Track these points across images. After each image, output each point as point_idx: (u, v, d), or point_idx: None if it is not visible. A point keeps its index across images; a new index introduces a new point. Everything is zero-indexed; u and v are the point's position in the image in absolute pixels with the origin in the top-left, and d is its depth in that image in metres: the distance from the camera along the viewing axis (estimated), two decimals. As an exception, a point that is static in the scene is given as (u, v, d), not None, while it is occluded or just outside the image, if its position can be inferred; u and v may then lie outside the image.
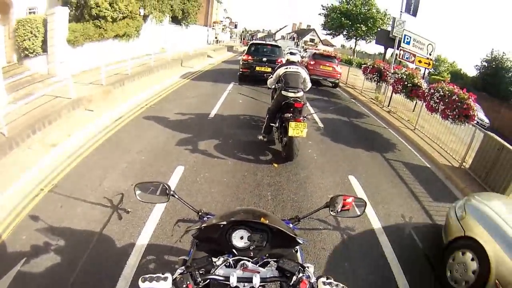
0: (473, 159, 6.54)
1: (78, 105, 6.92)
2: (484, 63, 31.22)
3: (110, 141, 5.81)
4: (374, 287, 3.47)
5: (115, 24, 12.01)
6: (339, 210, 1.87)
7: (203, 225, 1.53)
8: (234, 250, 1.52)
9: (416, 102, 10.69)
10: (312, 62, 15.38)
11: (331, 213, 1.88)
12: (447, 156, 7.49)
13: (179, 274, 1.28)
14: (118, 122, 6.67)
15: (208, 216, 1.90)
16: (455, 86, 7.93)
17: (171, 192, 1.86)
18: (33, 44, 9.01)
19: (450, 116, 7.39)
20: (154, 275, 1.21)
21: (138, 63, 11.92)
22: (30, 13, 9.76)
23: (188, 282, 1.24)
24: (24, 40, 8.93)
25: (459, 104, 7.22)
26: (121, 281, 2.99)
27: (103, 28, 11.34)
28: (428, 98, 8.41)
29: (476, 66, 32.32)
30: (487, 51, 36.66)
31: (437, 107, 7.99)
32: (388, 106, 12.21)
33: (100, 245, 3.40)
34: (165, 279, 1.21)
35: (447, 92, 7.73)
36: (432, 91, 8.32)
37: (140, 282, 1.20)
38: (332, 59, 15.93)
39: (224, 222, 1.50)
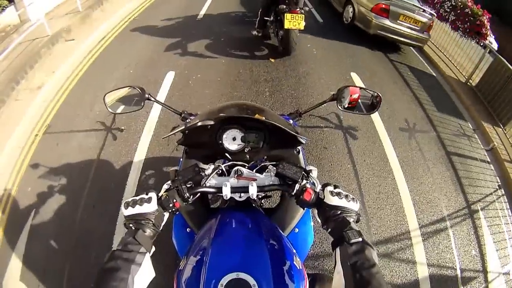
0: (481, 79, 6.16)
1: (57, 39, 6.35)
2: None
3: (96, 64, 5.39)
4: (379, 189, 3.44)
5: None
6: (346, 105, 1.62)
7: (187, 127, 1.29)
8: (227, 154, 1.35)
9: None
10: None
11: (339, 107, 1.62)
12: (454, 69, 6.98)
13: (164, 192, 1.10)
14: (101, 43, 6.14)
15: (192, 116, 1.60)
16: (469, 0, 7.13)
17: (146, 95, 1.59)
18: (-4, 0, 8.25)
19: (460, 29, 7.08)
20: (137, 198, 1.03)
21: (115, -22, 10.67)
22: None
23: (174, 200, 1.06)
24: (-14, 0, 8.17)
25: (471, 18, 6.70)
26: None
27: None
28: (438, 5, 7.71)
29: (489, -14, 27.00)
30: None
31: (447, 16, 7.42)
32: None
33: (99, 172, 3.29)
34: (149, 200, 1.03)
35: (460, 4, 7.09)
36: None
37: (123, 209, 1.03)
38: None
39: (212, 122, 1.26)
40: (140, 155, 3.33)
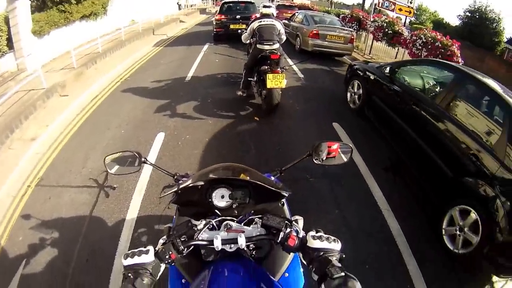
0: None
1: (52, 93, 6.72)
2: (468, 13, 31.51)
3: (89, 122, 5.71)
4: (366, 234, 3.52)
5: (80, 5, 11.31)
6: (324, 158, 1.79)
7: (179, 188, 1.43)
8: (217, 211, 1.45)
9: (398, 49, 10.83)
10: (276, 11, 18.04)
11: (315, 161, 1.78)
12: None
13: (161, 245, 1.23)
14: (94, 102, 6.52)
15: (184, 178, 1.77)
16: (438, 33, 7.97)
17: (142, 159, 1.81)
18: (-3, 44, 8.62)
19: (434, 62, 7.62)
20: (136, 250, 1.16)
21: (108, 39, 11.39)
22: (-13, 13, 9.19)
23: (170, 252, 1.19)
24: (-13, 43, 8.53)
25: (442, 50, 7.31)
26: (117, 259, 3.06)
27: (68, 12, 10.68)
28: (411, 45, 8.53)
29: (459, 16, 32.54)
30: (469, 2, 37.92)
31: (420, 54, 8.11)
32: (369, 54, 12.19)
33: (92, 228, 3.44)
34: (147, 252, 1.15)
35: (430, 39, 7.80)
36: (414, 38, 8.41)
37: (122, 260, 1.15)
38: (292, 8, 20.57)
39: (202, 182, 1.41)
40: (132, 213, 3.54)
